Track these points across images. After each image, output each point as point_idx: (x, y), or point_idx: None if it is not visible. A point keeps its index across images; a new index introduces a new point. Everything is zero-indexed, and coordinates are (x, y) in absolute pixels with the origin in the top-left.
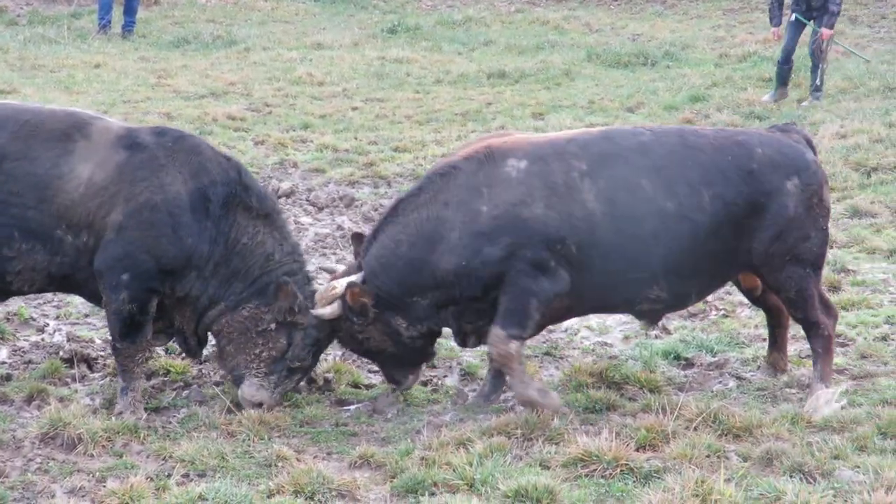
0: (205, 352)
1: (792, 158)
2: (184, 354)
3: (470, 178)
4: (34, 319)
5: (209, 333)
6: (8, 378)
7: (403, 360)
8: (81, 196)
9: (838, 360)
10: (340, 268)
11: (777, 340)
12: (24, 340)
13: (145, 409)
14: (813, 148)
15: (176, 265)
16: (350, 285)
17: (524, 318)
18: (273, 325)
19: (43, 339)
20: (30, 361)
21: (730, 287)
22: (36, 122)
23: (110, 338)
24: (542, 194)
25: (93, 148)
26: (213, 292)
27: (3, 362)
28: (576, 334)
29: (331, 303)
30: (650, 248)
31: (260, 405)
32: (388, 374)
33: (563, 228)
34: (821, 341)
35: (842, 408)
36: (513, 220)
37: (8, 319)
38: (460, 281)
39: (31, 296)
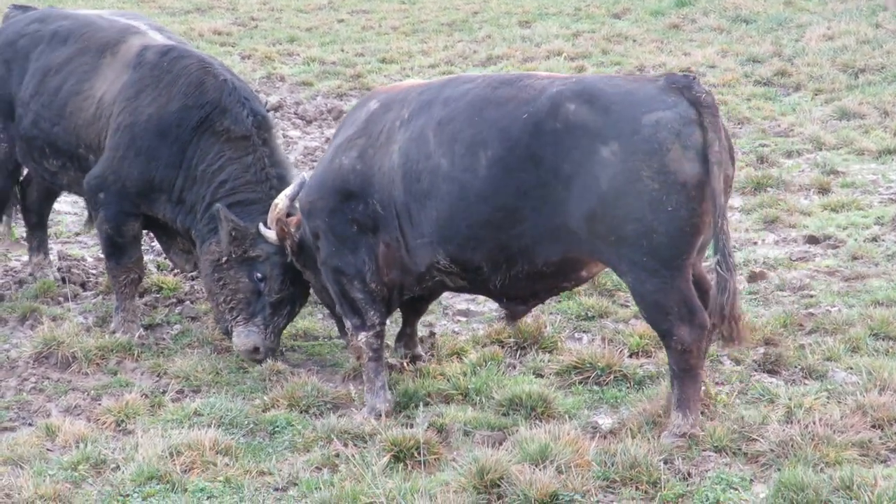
0: None
1: (616, 120)
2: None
3: (344, 119)
4: (25, 239)
5: None
6: (1, 298)
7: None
8: (92, 116)
9: (829, 261)
10: None
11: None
12: (16, 261)
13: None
14: (701, 110)
15: (140, 187)
16: (280, 222)
17: (353, 304)
18: (225, 261)
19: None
20: (22, 281)
21: None
22: (89, 36)
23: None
24: (363, 142)
25: (113, 66)
26: (183, 218)
27: None
28: None
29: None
30: (425, 208)
31: (257, 351)
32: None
33: (367, 185)
34: (674, 357)
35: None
36: (328, 170)
37: None
38: None
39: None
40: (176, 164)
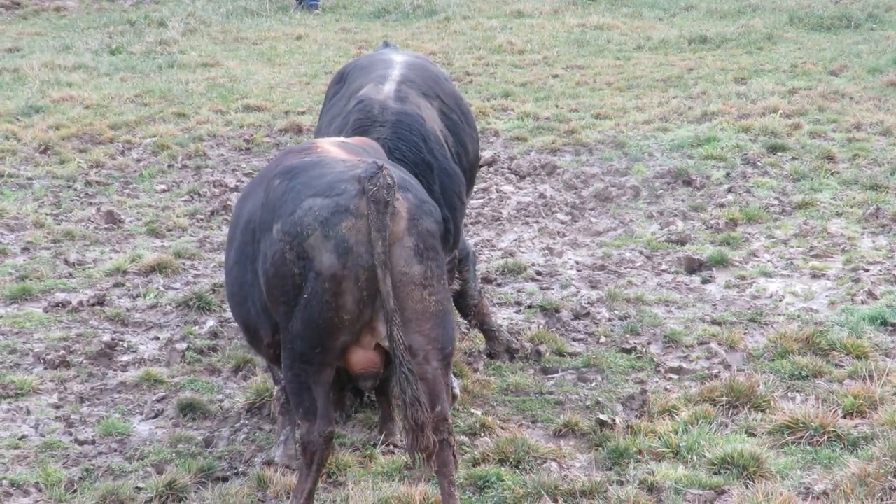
0: None
1: (289, 199)
2: None
3: None
4: None
5: None
6: (215, 349)
7: None
8: None
9: None
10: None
11: None
12: (230, 312)
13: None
14: (370, 205)
15: None
16: None
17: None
18: None
19: None
20: (237, 332)
21: None
22: None
23: None
24: None
25: None
26: None
27: (211, 333)
28: (781, 300)
29: None
30: None
31: None
32: None
33: None
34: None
35: None
36: None
37: (214, 291)
38: None
39: None
40: None
